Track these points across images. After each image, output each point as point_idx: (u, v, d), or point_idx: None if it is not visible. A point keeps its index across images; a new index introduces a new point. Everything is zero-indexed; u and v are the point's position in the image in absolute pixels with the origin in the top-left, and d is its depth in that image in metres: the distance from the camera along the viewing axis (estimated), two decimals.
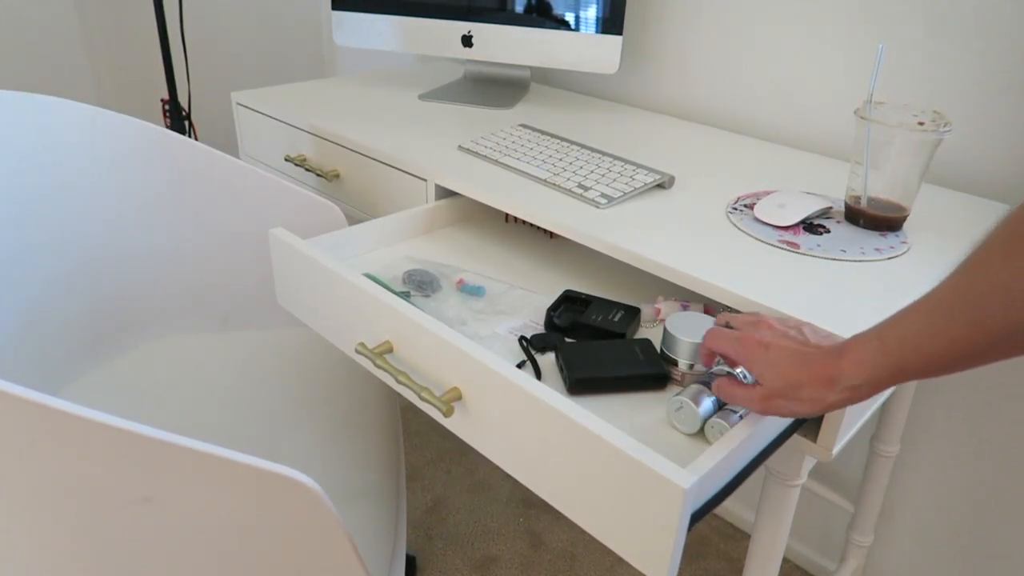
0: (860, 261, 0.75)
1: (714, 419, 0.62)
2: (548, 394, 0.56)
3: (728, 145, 1.11)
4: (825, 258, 0.75)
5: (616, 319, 0.76)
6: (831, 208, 0.86)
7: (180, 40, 1.73)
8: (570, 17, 1.18)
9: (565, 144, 1.03)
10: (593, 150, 1.01)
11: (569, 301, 0.81)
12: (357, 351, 0.70)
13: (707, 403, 0.62)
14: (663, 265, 0.73)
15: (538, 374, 0.71)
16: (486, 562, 1.36)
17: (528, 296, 0.84)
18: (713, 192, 0.92)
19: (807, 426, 0.67)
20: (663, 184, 0.92)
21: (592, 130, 1.15)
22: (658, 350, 0.71)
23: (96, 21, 2.41)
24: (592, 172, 0.93)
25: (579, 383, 0.67)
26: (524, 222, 1.03)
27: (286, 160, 1.16)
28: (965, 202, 0.94)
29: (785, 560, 1.40)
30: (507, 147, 1.01)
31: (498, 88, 1.35)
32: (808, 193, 0.87)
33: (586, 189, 0.88)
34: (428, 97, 1.28)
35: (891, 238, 0.80)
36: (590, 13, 1.17)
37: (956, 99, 0.97)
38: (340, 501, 0.87)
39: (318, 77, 2.00)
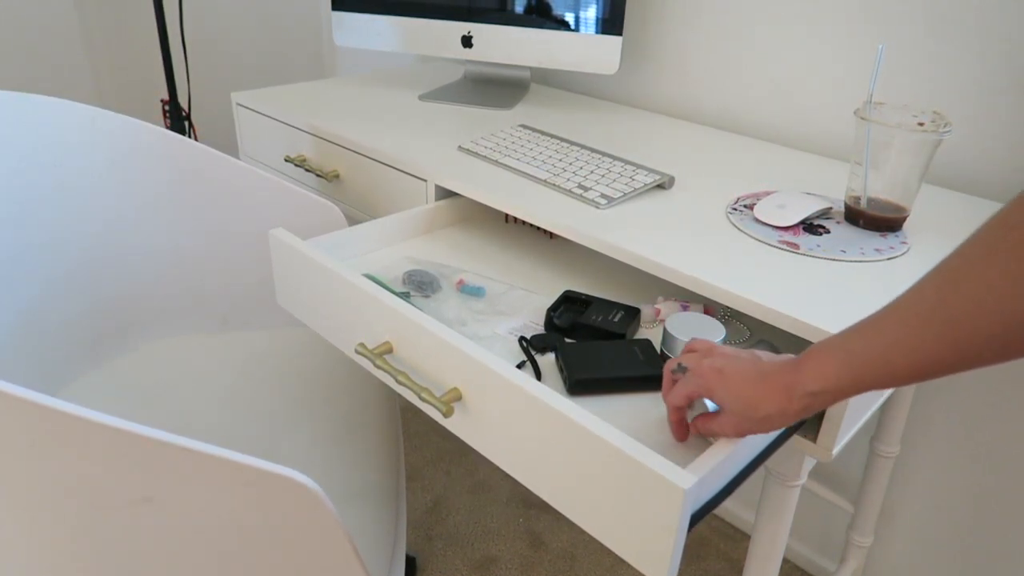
0: (860, 261, 0.75)
1: None
2: (548, 395, 0.56)
3: (728, 145, 1.11)
4: (825, 258, 0.75)
5: (616, 320, 0.76)
6: (831, 208, 0.86)
7: (180, 40, 1.73)
8: (570, 17, 1.18)
9: (565, 144, 1.03)
10: (593, 150, 1.01)
11: (569, 302, 0.81)
12: (357, 351, 0.70)
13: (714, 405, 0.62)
14: (663, 265, 0.73)
15: (538, 375, 0.71)
16: (486, 562, 1.36)
17: (528, 297, 0.84)
18: (713, 192, 0.92)
19: (807, 427, 0.67)
20: (663, 184, 0.92)
21: (592, 130, 1.15)
22: (658, 350, 0.71)
23: (96, 21, 2.41)
24: (592, 172, 0.93)
25: (579, 384, 0.67)
26: (524, 222, 1.03)
27: (286, 160, 1.16)
28: (965, 202, 0.94)
29: (785, 560, 1.40)
30: (507, 147, 1.01)
31: (498, 88, 1.35)
32: (808, 193, 0.87)
33: (586, 189, 0.88)
34: (428, 97, 1.28)
35: (891, 238, 0.80)
36: (590, 13, 1.17)
37: (956, 99, 0.97)
38: (340, 501, 0.87)
39: (318, 77, 2.00)
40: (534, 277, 0.89)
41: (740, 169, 1.01)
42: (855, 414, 0.66)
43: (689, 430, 0.60)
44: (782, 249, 0.77)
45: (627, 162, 0.96)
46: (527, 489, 1.49)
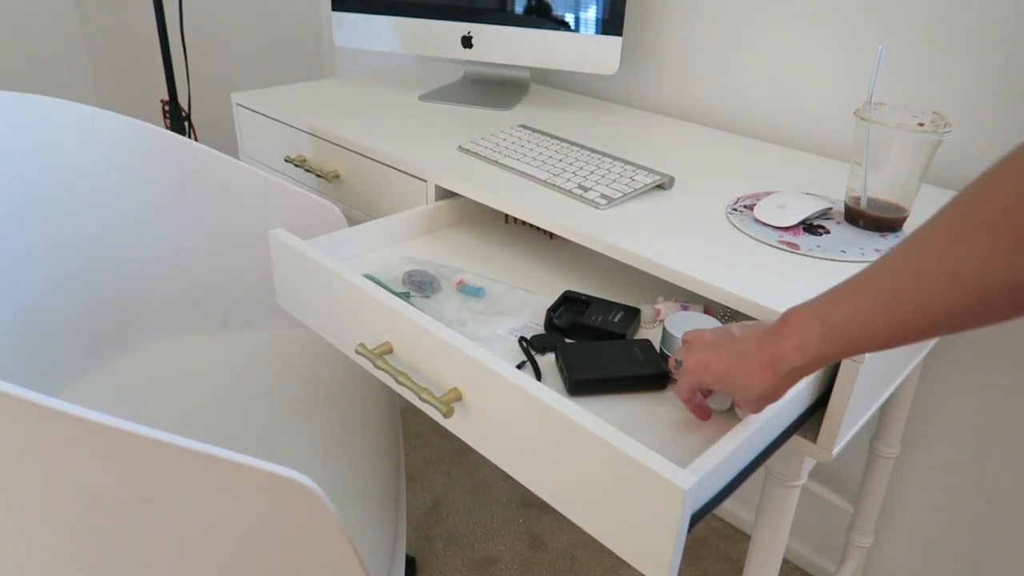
0: (860, 262, 0.75)
1: None
2: (548, 395, 0.56)
3: (728, 146, 1.11)
4: (825, 259, 0.75)
5: (616, 320, 0.76)
6: (831, 209, 0.86)
7: (180, 41, 1.73)
8: (570, 18, 1.18)
9: (565, 145, 1.03)
10: (593, 151, 1.01)
11: (569, 302, 0.81)
12: (357, 352, 0.70)
13: None
14: (663, 266, 0.73)
15: (538, 375, 0.71)
16: (486, 563, 1.36)
17: (528, 297, 0.84)
18: (713, 193, 0.92)
19: (807, 427, 0.67)
20: (663, 185, 0.92)
21: (592, 131, 1.15)
22: (658, 350, 0.71)
23: (96, 22, 2.41)
24: (592, 173, 0.93)
25: (579, 384, 0.67)
26: (524, 223, 1.03)
27: (286, 161, 1.16)
28: None
29: (785, 561, 1.40)
30: (507, 148, 1.01)
31: (498, 89, 1.35)
32: (808, 194, 0.87)
33: (586, 190, 0.88)
34: (428, 98, 1.28)
35: (891, 239, 0.80)
36: (590, 14, 1.17)
37: (956, 100, 0.97)
38: (340, 502, 0.87)
39: (318, 78, 2.00)
40: (534, 277, 0.89)
41: (740, 169, 1.01)
42: (855, 414, 0.66)
43: (709, 411, 0.64)
44: (782, 249, 0.77)
45: (627, 162, 0.96)
46: (527, 489, 1.49)
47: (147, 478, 0.56)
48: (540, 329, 0.78)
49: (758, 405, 0.56)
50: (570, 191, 0.88)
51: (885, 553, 1.25)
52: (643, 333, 0.79)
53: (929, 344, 0.84)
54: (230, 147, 1.31)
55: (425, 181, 0.97)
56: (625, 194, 0.87)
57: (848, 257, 0.76)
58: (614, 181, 0.91)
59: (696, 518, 0.53)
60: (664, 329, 0.70)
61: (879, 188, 0.80)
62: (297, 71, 2.04)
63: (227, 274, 1.15)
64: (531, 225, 1.01)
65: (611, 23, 1.16)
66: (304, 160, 1.16)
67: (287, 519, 0.60)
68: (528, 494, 1.52)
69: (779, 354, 0.52)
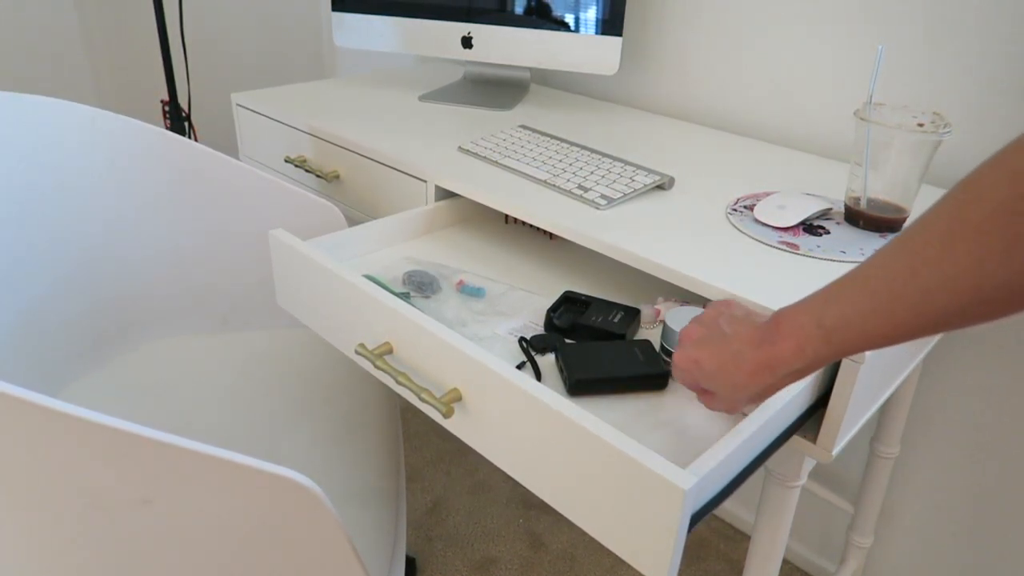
0: (860, 262, 0.75)
1: None
2: (548, 395, 0.56)
3: (728, 146, 1.11)
4: (825, 259, 0.75)
5: (616, 320, 0.76)
6: (831, 209, 0.86)
7: (180, 41, 1.73)
8: (570, 18, 1.19)
9: (565, 145, 1.03)
10: (593, 151, 1.01)
11: (569, 302, 0.81)
12: (357, 352, 0.70)
13: None
14: (663, 266, 0.73)
15: (538, 375, 0.71)
16: (486, 563, 1.36)
17: (528, 297, 0.84)
18: (713, 193, 0.92)
19: (807, 427, 0.67)
20: (663, 185, 0.92)
21: (592, 131, 1.15)
22: (658, 348, 0.71)
23: (96, 22, 2.41)
24: (592, 173, 0.93)
25: (579, 384, 0.67)
26: (524, 223, 1.03)
27: (286, 161, 1.16)
28: None
29: (785, 561, 1.40)
30: (507, 148, 1.01)
31: (498, 89, 1.35)
32: (808, 194, 0.87)
33: (586, 190, 0.88)
34: (428, 98, 1.28)
35: (891, 239, 0.80)
36: (590, 14, 1.17)
37: (956, 100, 0.97)
38: (340, 502, 0.87)
39: (318, 78, 2.00)
40: (534, 278, 0.89)
41: (740, 170, 1.01)
42: (855, 415, 0.66)
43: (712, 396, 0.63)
44: (782, 250, 0.77)
45: (627, 163, 0.96)
46: (527, 490, 1.49)
47: (147, 478, 0.56)
48: (540, 329, 0.78)
49: (752, 402, 0.56)
50: (570, 191, 0.88)
51: (885, 553, 1.25)
52: (643, 333, 0.79)
53: (929, 344, 0.84)
54: (230, 147, 1.31)
55: (425, 181, 0.97)
56: (625, 194, 0.87)
57: (848, 257, 0.76)
58: (614, 181, 0.91)
59: (696, 518, 0.53)
60: (665, 324, 0.70)
61: (879, 188, 0.80)
62: (297, 71, 2.04)
63: (227, 274, 1.15)
64: (531, 225, 1.01)
65: (611, 23, 1.16)
66: (304, 160, 1.16)
67: (287, 519, 0.60)
68: (528, 494, 1.52)
69: (776, 357, 0.52)
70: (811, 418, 0.67)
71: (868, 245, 0.78)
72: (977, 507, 1.11)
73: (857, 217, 0.82)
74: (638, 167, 0.95)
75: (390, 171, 1.02)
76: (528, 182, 0.92)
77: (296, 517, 0.59)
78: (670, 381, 0.70)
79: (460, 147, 1.02)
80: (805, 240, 0.79)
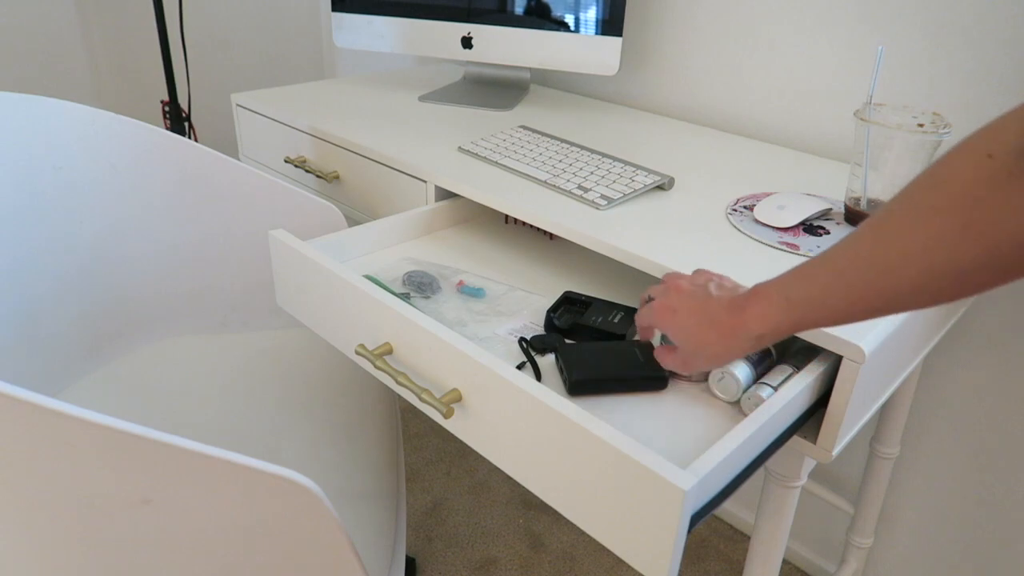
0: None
1: (750, 391, 0.64)
2: (548, 395, 0.56)
3: (728, 146, 1.11)
4: None
5: (616, 320, 0.76)
6: (831, 210, 0.86)
7: (180, 42, 1.73)
8: (570, 19, 1.19)
9: (565, 145, 1.03)
10: (593, 151, 1.01)
11: (569, 302, 0.81)
12: (357, 352, 0.70)
13: (747, 374, 0.65)
14: (663, 266, 0.73)
15: (538, 375, 0.71)
16: (486, 564, 1.36)
17: (528, 297, 0.84)
18: (713, 193, 0.92)
19: (807, 428, 0.67)
20: (663, 185, 0.92)
21: (592, 131, 1.15)
22: (658, 344, 0.71)
23: (96, 23, 2.41)
24: (592, 173, 0.93)
25: (579, 384, 0.67)
26: (524, 223, 1.03)
27: (286, 162, 1.16)
28: None
29: (785, 562, 1.40)
30: (507, 148, 1.01)
31: (498, 90, 1.35)
32: (808, 195, 0.87)
33: (586, 190, 0.88)
34: (428, 99, 1.28)
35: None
36: (590, 15, 1.17)
37: (956, 101, 0.97)
38: (339, 503, 0.87)
39: (318, 79, 2.00)
40: (534, 278, 0.89)
41: (740, 170, 1.01)
42: (855, 415, 0.66)
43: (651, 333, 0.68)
44: (782, 250, 0.77)
45: (627, 163, 0.96)
46: (527, 490, 1.49)
47: (147, 478, 0.56)
48: (540, 330, 0.78)
49: (702, 362, 0.60)
50: (570, 192, 0.88)
51: (885, 554, 1.25)
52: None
53: (929, 344, 0.84)
54: (230, 148, 1.31)
55: (425, 182, 0.97)
56: (625, 195, 0.87)
57: None
58: (614, 182, 0.91)
59: (696, 519, 0.53)
60: None
61: (879, 189, 0.80)
62: (297, 72, 2.04)
63: (227, 275, 1.15)
64: (531, 226, 1.01)
65: (611, 24, 1.16)
66: (304, 161, 1.16)
67: (287, 520, 0.60)
68: (528, 495, 1.52)
69: (743, 322, 0.55)
70: (811, 418, 0.67)
71: None
72: (977, 507, 1.11)
73: (857, 217, 0.82)
74: (638, 167, 0.95)
75: (390, 171, 1.02)
76: (528, 182, 0.92)
77: (296, 517, 0.59)
78: (669, 382, 0.70)
79: (460, 147, 1.02)
80: (805, 240, 0.79)
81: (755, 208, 0.85)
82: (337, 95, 1.29)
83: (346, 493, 0.90)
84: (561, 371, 0.70)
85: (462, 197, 0.97)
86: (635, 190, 0.89)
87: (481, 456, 1.59)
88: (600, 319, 0.76)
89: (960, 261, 0.43)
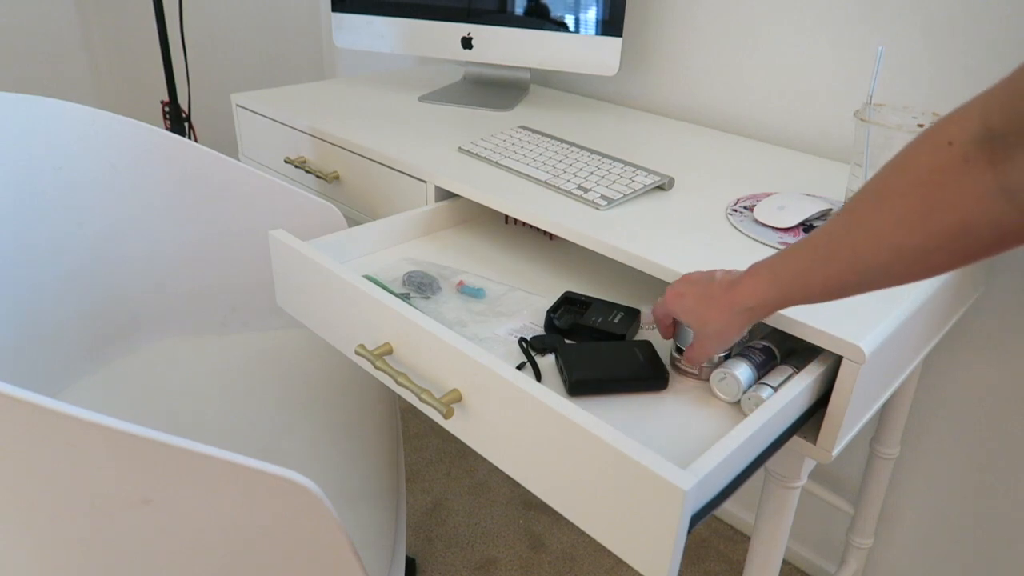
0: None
1: (750, 391, 0.64)
2: (548, 396, 0.56)
3: (728, 147, 1.11)
4: None
5: (616, 321, 0.76)
6: (831, 210, 0.86)
7: (180, 42, 1.74)
8: (570, 19, 1.19)
9: (565, 146, 1.03)
10: (593, 152, 1.01)
11: (569, 303, 0.81)
12: (357, 353, 0.70)
13: (748, 375, 0.65)
14: (663, 266, 0.73)
15: (538, 376, 0.71)
16: (486, 564, 1.36)
17: (528, 298, 0.84)
18: (713, 194, 0.92)
19: (807, 428, 0.67)
20: (663, 186, 0.92)
21: (592, 132, 1.15)
22: (661, 351, 0.71)
23: (96, 23, 2.41)
24: (592, 174, 0.93)
25: (579, 385, 0.67)
26: (524, 224, 1.03)
27: (286, 162, 1.16)
28: None
29: (785, 562, 1.40)
30: (507, 149, 1.01)
31: (498, 90, 1.35)
32: (808, 195, 0.87)
33: (586, 191, 0.88)
34: (428, 99, 1.28)
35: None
36: (590, 15, 1.17)
37: (955, 101, 0.97)
38: (339, 503, 0.87)
39: (318, 79, 2.00)
40: (534, 278, 0.89)
41: (740, 170, 1.01)
42: (855, 415, 0.66)
43: (671, 333, 0.71)
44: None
45: (627, 163, 0.96)
46: (527, 490, 1.49)
47: (147, 479, 0.56)
48: (540, 330, 0.78)
49: (711, 342, 0.63)
50: (570, 192, 0.88)
51: (885, 554, 1.25)
52: (643, 334, 0.79)
53: (929, 344, 0.84)
54: (230, 148, 1.31)
55: (425, 182, 0.97)
56: (625, 195, 0.87)
57: None
58: (614, 182, 0.91)
59: (696, 519, 0.53)
60: (678, 323, 0.70)
61: None
62: (297, 72, 2.04)
63: (227, 275, 1.15)
64: (531, 226, 1.01)
65: (611, 24, 1.16)
66: (304, 161, 1.16)
67: (287, 520, 0.60)
68: (528, 495, 1.52)
69: (736, 297, 0.60)
70: (811, 419, 0.67)
71: None
72: (977, 508, 1.11)
73: None
74: (638, 167, 0.95)
75: (390, 172, 1.02)
76: (528, 183, 0.92)
77: (296, 517, 0.59)
78: (669, 382, 0.70)
79: (460, 148, 1.02)
80: None
81: (755, 208, 0.85)
82: (337, 95, 1.29)
83: (346, 493, 0.90)
84: (561, 371, 0.70)
85: (462, 197, 0.97)
86: (635, 190, 0.89)
87: (481, 456, 1.59)
88: (600, 319, 0.76)
89: (921, 242, 0.46)
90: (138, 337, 1.14)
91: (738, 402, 0.66)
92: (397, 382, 0.66)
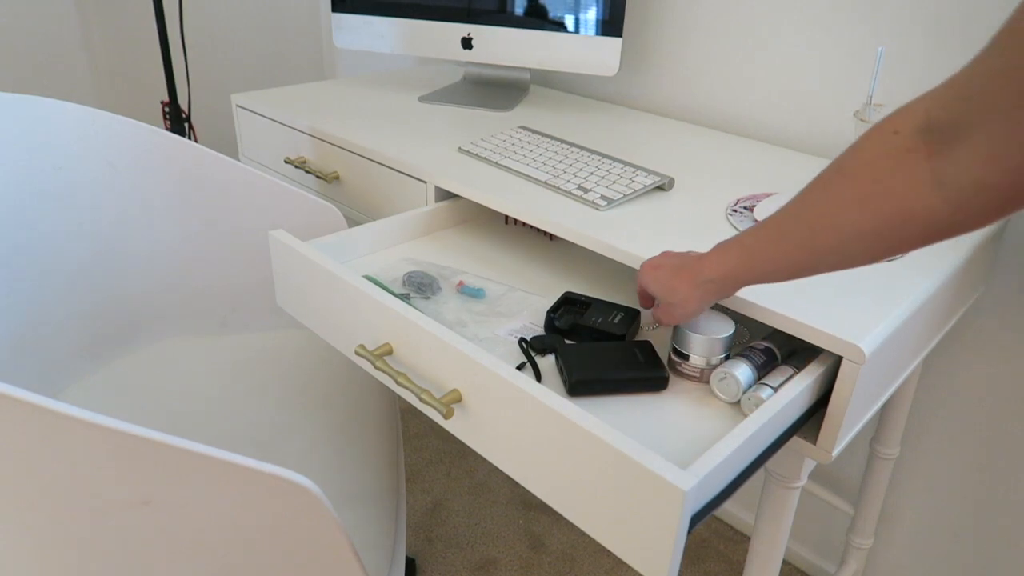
0: None
1: (750, 392, 0.64)
2: (548, 396, 0.56)
3: (728, 147, 1.11)
4: None
5: (616, 321, 0.76)
6: None
7: (180, 42, 1.74)
8: (570, 19, 1.19)
9: (565, 146, 1.03)
10: (593, 152, 1.01)
11: (569, 303, 0.81)
12: (357, 353, 0.70)
13: (748, 375, 0.65)
14: None
15: (538, 376, 0.71)
16: (486, 564, 1.36)
17: (528, 298, 0.84)
18: (713, 194, 0.92)
19: (807, 428, 0.67)
20: (663, 186, 0.92)
21: (592, 132, 1.15)
22: (661, 351, 0.71)
23: (96, 23, 2.41)
24: (592, 174, 0.93)
25: (579, 385, 0.67)
26: (524, 224, 1.03)
27: (286, 162, 1.16)
28: None
29: (785, 562, 1.40)
30: (507, 149, 1.01)
31: (498, 90, 1.35)
32: None
33: (586, 191, 0.88)
34: (428, 99, 1.28)
35: None
36: (590, 15, 1.17)
37: None
38: (339, 503, 0.87)
39: (318, 79, 2.00)
40: (534, 279, 0.89)
41: (740, 171, 1.01)
42: (855, 415, 0.66)
43: (651, 302, 0.74)
44: None
45: (627, 164, 0.96)
46: (527, 490, 1.49)
47: (147, 479, 0.56)
48: (540, 330, 0.78)
49: (675, 310, 0.65)
50: (570, 192, 0.88)
51: (885, 555, 1.25)
52: (643, 335, 0.79)
53: (929, 344, 0.84)
54: (230, 148, 1.31)
55: (425, 182, 0.97)
56: (625, 195, 0.87)
57: None
58: (614, 182, 0.91)
59: (696, 519, 0.53)
60: (676, 325, 0.70)
61: None
62: (297, 72, 2.04)
63: (227, 275, 1.15)
64: (531, 226, 1.01)
65: (611, 24, 1.16)
66: (304, 161, 1.16)
67: (287, 521, 0.60)
68: (528, 495, 1.52)
69: (700, 269, 0.62)
70: (811, 419, 0.67)
71: None
72: (977, 508, 1.11)
73: None
74: (638, 168, 0.95)
75: (390, 172, 1.02)
76: (528, 183, 0.92)
77: (296, 518, 0.59)
78: (669, 382, 0.70)
79: (460, 148, 1.02)
80: None
81: (755, 208, 0.85)
82: (337, 96, 1.29)
83: (346, 493, 0.90)
84: (561, 372, 0.70)
85: (462, 198, 0.97)
86: (635, 191, 0.89)
87: (481, 457, 1.59)
88: (600, 319, 0.76)
89: (865, 226, 0.49)
90: (138, 337, 1.14)
91: (738, 402, 0.66)
92: (397, 382, 0.66)
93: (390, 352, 0.70)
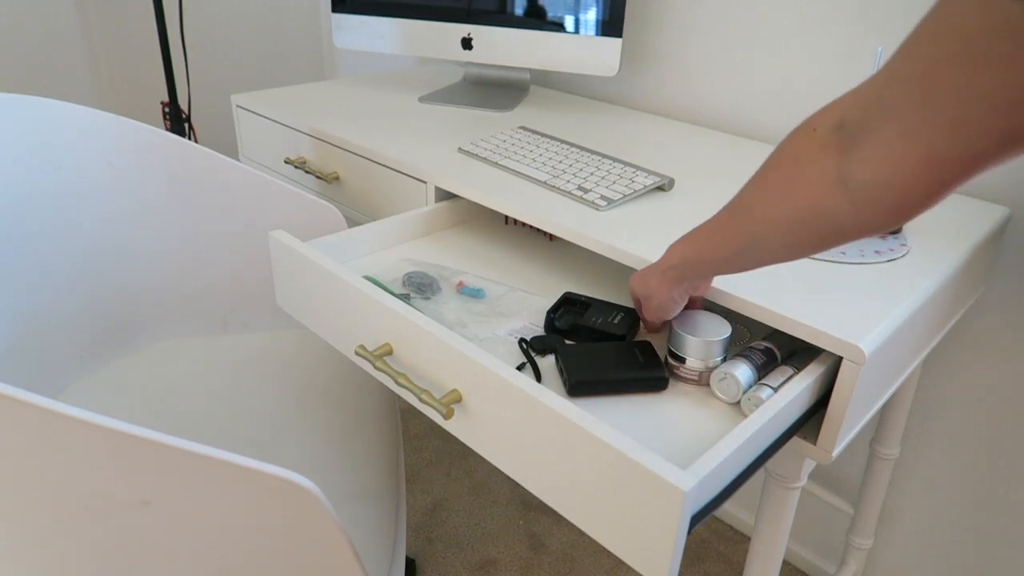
0: (860, 264, 0.75)
1: (750, 392, 0.64)
2: (548, 396, 0.56)
3: (728, 147, 1.11)
4: (825, 260, 0.75)
5: (616, 321, 0.76)
6: None
7: (180, 43, 1.74)
8: (570, 20, 1.19)
9: (565, 146, 1.03)
10: (593, 152, 1.01)
11: (569, 303, 0.81)
12: (357, 353, 0.70)
13: (748, 375, 0.65)
14: None
15: (538, 376, 0.71)
16: (486, 564, 1.36)
17: (528, 298, 0.84)
18: (713, 194, 0.92)
19: (807, 428, 0.67)
20: (663, 186, 0.92)
21: (592, 132, 1.15)
22: (660, 352, 0.71)
23: (96, 23, 2.41)
24: (592, 174, 0.93)
25: (579, 385, 0.67)
26: (524, 224, 1.03)
27: (286, 162, 1.16)
28: (964, 204, 0.94)
29: (785, 563, 1.40)
30: (507, 149, 1.01)
31: (498, 90, 1.35)
32: None
33: (586, 191, 0.88)
34: (428, 99, 1.28)
35: (891, 240, 0.80)
36: (590, 15, 1.17)
37: None
38: (339, 503, 0.87)
39: (318, 79, 2.00)
40: (534, 279, 0.89)
41: (740, 171, 1.01)
42: (855, 416, 0.66)
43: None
44: None
45: (627, 164, 0.96)
46: (527, 491, 1.49)
47: (147, 479, 0.56)
48: (540, 331, 0.78)
49: (651, 302, 0.68)
50: (570, 192, 0.88)
51: (885, 555, 1.25)
52: (643, 335, 0.79)
53: (929, 344, 0.84)
54: (230, 149, 1.31)
55: (425, 183, 0.97)
56: (625, 196, 0.87)
57: (847, 259, 0.76)
58: (614, 183, 0.91)
59: (696, 520, 0.53)
60: (672, 329, 0.70)
61: None
62: (297, 73, 2.04)
63: (227, 276, 1.15)
64: (531, 226, 1.01)
65: (611, 25, 1.16)
66: (304, 162, 1.16)
67: (287, 521, 0.60)
68: (528, 495, 1.52)
69: (664, 258, 0.65)
70: (811, 419, 0.67)
71: (868, 247, 0.78)
72: (977, 508, 1.11)
73: None
74: (638, 168, 0.95)
75: (390, 172, 1.02)
76: (528, 183, 0.92)
77: (296, 518, 0.59)
78: (677, 379, 0.70)
79: (460, 148, 1.02)
80: None
81: None
82: (337, 96, 1.29)
83: (346, 494, 0.90)
84: (561, 372, 0.70)
85: (462, 198, 0.97)
86: (635, 191, 0.89)
87: (481, 457, 1.59)
88: (600, 320, 0.76)
89: (783, 217, 0.51)
90: (138, 337, 1.14)
91: (738, 403, 0.66)
92: (397, 382, 0.66)
93: (390, 352, 0.70)
